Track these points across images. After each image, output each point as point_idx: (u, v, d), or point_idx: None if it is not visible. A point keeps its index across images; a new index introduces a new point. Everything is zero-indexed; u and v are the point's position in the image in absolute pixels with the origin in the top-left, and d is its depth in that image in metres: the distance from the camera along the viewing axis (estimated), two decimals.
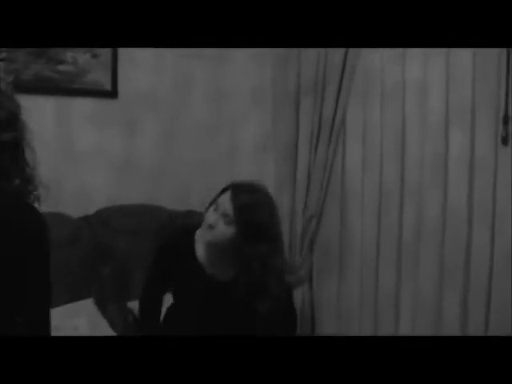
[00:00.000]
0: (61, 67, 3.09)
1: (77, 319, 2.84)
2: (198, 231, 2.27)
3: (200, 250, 2.28)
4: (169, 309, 2.38)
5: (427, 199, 3.02)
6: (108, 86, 3.27)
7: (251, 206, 2.15)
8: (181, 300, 2.31)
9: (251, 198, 2.16)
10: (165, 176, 3.41)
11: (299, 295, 3.16)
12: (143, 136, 3.41)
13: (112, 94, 3.30)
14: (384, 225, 3.15)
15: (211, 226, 2.15)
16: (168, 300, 2.40)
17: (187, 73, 3.40)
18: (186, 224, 2.66)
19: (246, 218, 2.13)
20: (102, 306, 2.99)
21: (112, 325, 2.88)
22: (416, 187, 3.06)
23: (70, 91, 3.18)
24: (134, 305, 2.82)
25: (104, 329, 2.84)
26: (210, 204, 2.22)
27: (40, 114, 3.07)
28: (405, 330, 3.07)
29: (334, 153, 3.15)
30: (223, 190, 2.21)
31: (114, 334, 2.82)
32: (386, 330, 3.12)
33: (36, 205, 1.57)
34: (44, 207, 2.82)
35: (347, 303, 3.18)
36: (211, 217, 2.16)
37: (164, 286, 2.37)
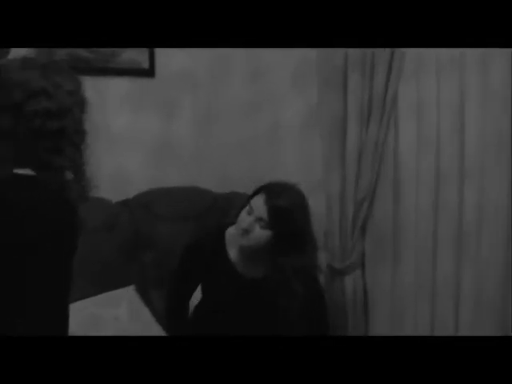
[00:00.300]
0: None
1: (117, 308, 2.73)
2: (228, 230, 2.24)
3: (232, 250, 2.23)
4: (197, 306, 2.31)
5: (490, 179, 2.84)
6: (145, 64, 3.12)
7: (286, 209, 2.12)
8: (210, 297, 2.26)
9: (286, 201, 2.13)
10: (205, 158, 3.26)
11: (351, 282, 2.97)
12: (182, 116, 3.27)
13: (149, 72, 3.14)
14: (442, 208, 2.94)
15: (246, 231, 2.11)
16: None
17: (226, 50, 3.20)
18: (215, 224, 2.53)
19: (281, 221, 2.11)
20: (143, 293, 2.87)
21: (154, 312, 2.75)
22: (477, 167, 2.87)
23: (105, 71, 3.03)
24: None
25: (146, 318, 2.71)
26: (243, 206, 2.18)
27: None
28: (465, 325, 2.90)
29: (387, 131, 2.93)
30: (256, 192, 2.18)
31: (156, 322, 2.68)
32: (443, 324, 2.95)
33: (82, 201, 1.55)
34: None
35: (401, 292, 2.99)
36: (246, 221, 2.12)
37: (192, 286, 2.29)
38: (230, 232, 2.27)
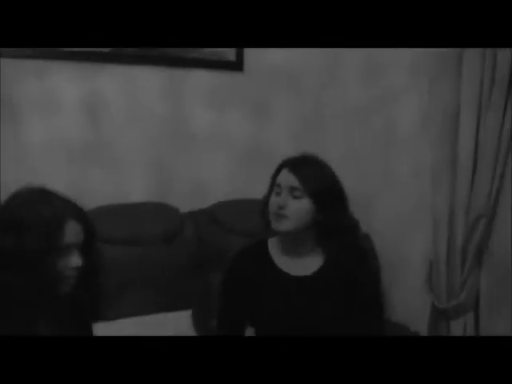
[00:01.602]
0: None
1: (161, 333, 2.28)
2: (270, 239, 2.10)
3: (275, 255, 2.06)
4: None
5: None
6: (231, 57, 2.76)
7: (314, 168, 1.96)
8: (263, 304, 2.04)
9: (308, 163, 1.97)
10: None
11: (459, 329, 2.26)
12: (275, 118, 2.84)
13: (236, 65, 2.77)
14: None
15: (281, 207, 1.91)
16: None
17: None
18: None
19: (314, 181, 1.93)
20: (201, 321, 2.41)
21: None
22: None
23: (185, 62, 2.68)
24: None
25: None
26: (266, 198, 2.01)
27: (148, 89, 2.62)
28: None
29: None
30: (275, 174, 2.00)
31: None
32: None
33: None
34: (150, 196, 2.38)
35: None
36: (278, 200, 1.93)
37: (241, 297, 2.05)
38: (272, 240, 2.08)
